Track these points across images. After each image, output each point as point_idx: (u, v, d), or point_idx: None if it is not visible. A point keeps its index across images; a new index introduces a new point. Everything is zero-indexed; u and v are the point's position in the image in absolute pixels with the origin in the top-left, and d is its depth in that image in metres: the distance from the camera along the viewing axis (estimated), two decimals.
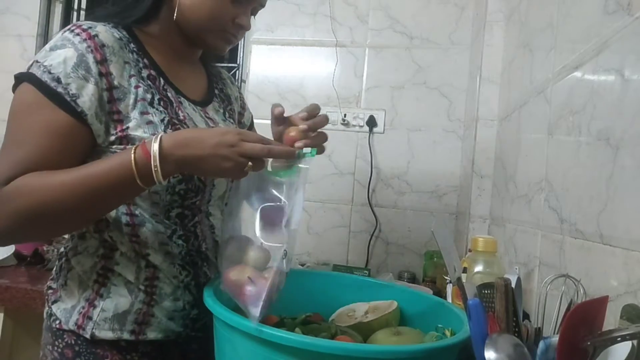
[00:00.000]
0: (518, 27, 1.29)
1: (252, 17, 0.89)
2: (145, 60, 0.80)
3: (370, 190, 1.78)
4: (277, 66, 1.89)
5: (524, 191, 1.07)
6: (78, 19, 2.11)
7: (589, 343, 0.49)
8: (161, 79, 0.81)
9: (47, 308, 0.82)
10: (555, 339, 0.53)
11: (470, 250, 1.06)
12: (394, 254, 1.77)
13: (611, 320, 0.57)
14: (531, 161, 1.05)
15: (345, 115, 1.81)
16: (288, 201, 0.71)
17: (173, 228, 0.80)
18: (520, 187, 1.11)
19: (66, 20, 2.11)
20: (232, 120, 0.96)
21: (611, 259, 0.63)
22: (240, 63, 1.92)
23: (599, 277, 0.67)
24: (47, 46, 0.73)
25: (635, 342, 0.49)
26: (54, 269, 0.84)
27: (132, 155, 0.66)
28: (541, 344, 0.56)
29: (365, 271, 1.60)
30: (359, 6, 1.84)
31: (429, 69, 1.78)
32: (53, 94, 0.69)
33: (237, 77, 1.94)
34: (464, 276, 0.94)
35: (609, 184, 0.65)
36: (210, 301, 0.71)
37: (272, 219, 0.72)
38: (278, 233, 0.71)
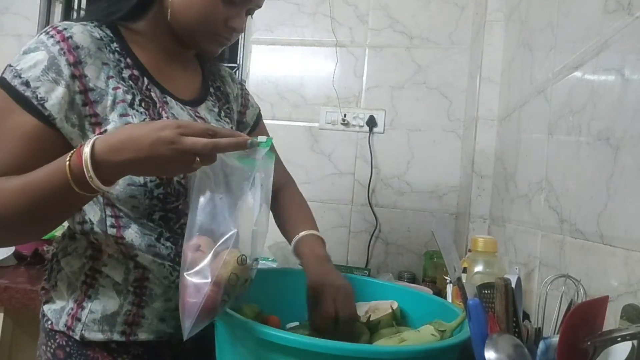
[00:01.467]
0: (518, 27, 1.29)
1: (250, 17, 0.88)
2: (128, 60, 0.78)
3: (370, 190, 1.78)
4: (277, 66, 1.89)
5: (524, 191, 1.07)
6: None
7: (589, 343, 0.49)
8: (145, 79, 0.79)
9: (41, 309, 0.82)
10: (556, 339, 0.53)
11: (470, 250, 1.06)
12: (393, 254, 1.77)
13: (611, 320, 0.57)
14: (531, 161, 1.05)
15: (345, 115, 1.81)
16: (242, 195, 0.64)
17: (159, 230, 0.78)
18: (520, 187, 1.11)
19: (66, 20, 2.11)
20: (227, 120, 0.94)
21: (611, 259, 0.63)
22: (240, 63, 1.92)
23: (599, 277, 0.67)
24: (22, 49, 0.71)
25: (635, 342, 0.49)
26: (47, 270, 0.84)
27: (67, 162, 0.62)
28: (541, 344, 0.56)
29: (365, 271, 1.60)
30: (358, 6, 1.84)
31: (429, 69, 1.78)
32: (21, 98, 0.68)
33: (237, 77, 1.94)
34: (464, 276, 0.94)
35: (609, 184, 0.65)
36: None
37: (222, 214, 0.64)
38: (225, 231, 0.62)
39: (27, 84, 0.68)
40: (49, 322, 0.79)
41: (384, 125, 1.80)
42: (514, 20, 1.35)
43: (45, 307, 0.80)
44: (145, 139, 0.60)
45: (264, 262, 1.65)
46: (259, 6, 0.85)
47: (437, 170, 1.76)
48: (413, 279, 1.62)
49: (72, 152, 0.63)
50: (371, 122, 1.79)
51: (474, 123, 1.49)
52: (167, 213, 0.78)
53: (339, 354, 0.59)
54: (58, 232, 1.80)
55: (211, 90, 0.94)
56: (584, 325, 0.51)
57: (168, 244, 0.79)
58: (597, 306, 0.53)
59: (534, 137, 1.05)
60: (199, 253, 0.62)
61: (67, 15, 2.11)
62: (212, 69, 0.98)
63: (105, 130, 0.72)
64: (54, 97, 0.69)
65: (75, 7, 2.11)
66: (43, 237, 1.64)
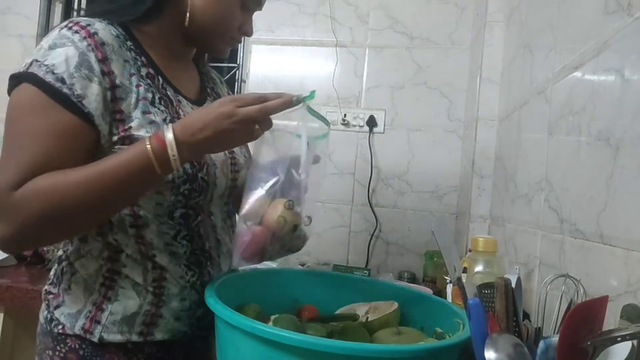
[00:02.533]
0: (518, 27, 1.29)
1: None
2: (143, 59, 0.78)
3: (370, 190, 1.78)
4: (277, 66, 1.89)
5: (524, 191, 1.07)
6: None
7: (589, 343, 0.49)
8: (159, 78, 0.80)
9: (46, 313, 0.80)
10: (555, 338, 0.53)
11: (470, 250, 1.06)
12: (394, 254, 1.78)
13: (611, 320, 0.57)
14: (531, 161, 1.05)
15: (345, 115, 1.81)
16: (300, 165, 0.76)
17: (177, 228, 0.80)
18: (520, 187, 1.11)
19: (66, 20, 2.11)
20: None
21: (611, 259, 0.63)
22: (240, 63, 1.92)
23: (599, 277, 0.67)
24: (45, 44, 0.70)
25: (635, 342, 0.49)
26: (53, 273, 0.83)
27: (149, 147, 0.66)
28: (541, 344, 0.57)
29: (365, 271, 1.60)
30: (359, 6, 1.84)
31: (429, 69, 1.78)
32: (58, 95, 0.67)
33: (237, 77, 1.94)
34: (464, 276, 0.94)
35: (609, 184, 0.65)
36: (211, 300, 0.71)
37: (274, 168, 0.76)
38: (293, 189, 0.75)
39: (62, 80, 0.67)
40: (60, 327, 0.77)
41: (384, 125, 1.80)
42: (514, 20, 1.35)
43: (57, 312, 0.78)
44: (209, 118, 0.67)
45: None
46: (261, 9, 0.89)
47: (437, 170, 1.76)
48: (413, 279, 1.62)
49: (147, 138, 0.67)
50: (371, 122, 1.79)
51: (474, 123, 1.49)
52: (188, 210, 0.80)
53: (339, 353, 0.59)
54: None
55: (208, 90, 0.96)
56: (584, 325, 0.51)
57: (184, 242, 0.80)
58: (597, 306, 0.53)
59: (534, 137, 1.05)
60: (254, 201, 0.73)
61: (67, 15, 2.12)
62: (204, 70, 0.99)
63: (130, 128, 0.72)
64: (90, 94, 0.69)
65: (75, 7, 2.11)
66: None
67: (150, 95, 0.76)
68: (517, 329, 0.61)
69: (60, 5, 2.10)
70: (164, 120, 0.76)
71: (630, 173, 0.60)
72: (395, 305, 0.87)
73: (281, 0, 1.87)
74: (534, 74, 1.09)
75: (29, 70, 0.68)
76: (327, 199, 1.82)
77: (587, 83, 0.76)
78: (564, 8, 0.92)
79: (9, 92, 0.71)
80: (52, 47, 0.69)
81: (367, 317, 0.85)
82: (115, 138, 0.72)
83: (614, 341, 0.47)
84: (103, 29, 0.73)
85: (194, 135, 0.67)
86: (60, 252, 0.83)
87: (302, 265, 1.69)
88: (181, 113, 0.80)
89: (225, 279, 0.85)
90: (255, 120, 0.68)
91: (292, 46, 1.89)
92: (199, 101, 0.89)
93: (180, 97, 0.83)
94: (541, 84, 1.02)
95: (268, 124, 0.71)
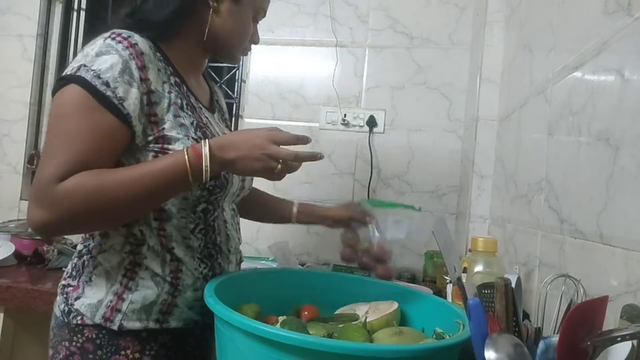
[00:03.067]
0: (518, 27, 1.29)
1: None
2: (170, 68, 0.85)
3: (370, 190, 1.78)
4: (277, 66, 1.89)
5: (524, 191, 1.07)
6: (78, 19, 2.11)
7: (589, 343, 0.49)
8: (184, 86, 0.88)
9: (63, 306, 0.84)
10: (555, 338, 0.53)
11: (470, 250, 1.06)
12: (394, 254, 1.77)
13: (611, 320, 0.57)
14: (531, 161, 1.06)
15: (345, 115, 1.81)
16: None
17: (196, 222, 0.86)
18: (520, 187, 1.11)
19: (66, 20, 2.11)
20: (227, 130, 1.04)
21: (611, 259, 0.63)
22: (240, 63, 1.91)
23: (599, 277, 0.67)
24: (91, 51, 0.76)
25: (635, 342, 0.49)
26: (71, 267, 0.87)
27: (186, 157, 0.74)
28: (541, 344, 0.57)
29: (365, 271, 1.60)
30: (359, 6, 1.84)
31: (429, 69, 1.78)
32: (103, 98, 0.74)
33: (237, 77, 1.94)
34: (464, 276, 0.95)
35: (609, 184, 0.65)
36: (211, 300, 0.71)
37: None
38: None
39: (107, 84, 0.74)
40: (79, 318, 0.81)
41: (384, 125, 1.80)
42: (514, 20, 1.35)
43: (77, 303, 0.82)
44: (244, 144, 0.75)
45: (263, 262, 1.65)
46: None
47: (437, 170, 1.76)
48: (413, 279, 1.62)
49: (185, 149, 0.75)
50: (371, 122, 1.79)
51: (474, 123, 1.49)
52: (208, 205, 0.87)
53: (339, 353, 0.59)
54: None
55: (214, 102, 1.04)
56: (584, 325, 0.51)
57: (200, 235, 0.87)
58: (597, 306, 0.53)
59: (534, 137, 1.05)
60: None
61: (67, 15, 2.11)
62: (211, 84, 1.07)
63: (163, 129, 0.80)
64: (130, 98, 0.76)
65: (75, 7, 2.11)
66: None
67: (179, 101, 0.84)
68: (517, 329, 0.61)
69: (60, 5, 2.10)
70: (191, 123, 0.83)
71: (630, 173, 0.60)
72: (395, 305, 0.87)
73: (281, 0, 1.87)
74: (534, 74, 1.09)
75: (77, 74, 0.74)
76: (327, 199, 1.82)
77: (587, 83, 0.77)
78: (564, 8, 0.92)
79: (55, 92, 0.77)
80: (98, 54, 0.76)
81: (367, 317, 0.85)
82: (150, 138, 0.79)
83: (614, 341, 0.47)
84: (141, 41, 0.80)
85: (226, 152, 0.75)
86: (80, 247, 0.87)
87: (302, 265, 1.69)
88: (203, 118, 0.88)
89: (225, 278, 0.85)
90: (279, 159, 0.76)
91: (292, 46, 1.89)
92: (211, 109, 0.97)
93: (200, 105, 0.91)
94: (541, 84, 1.02)
95: (291, 168, 0.78)
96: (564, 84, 0.87)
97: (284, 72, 1.89)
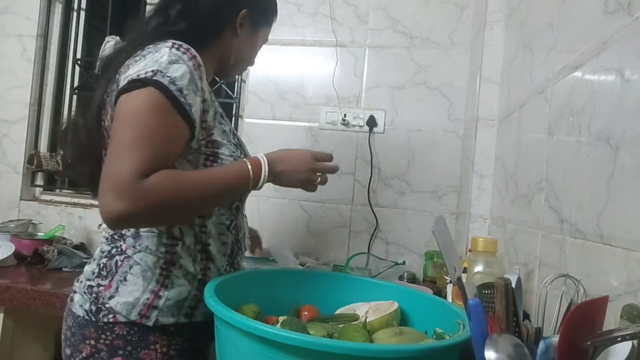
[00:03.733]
0: (518, 27, 1.29)
1: None
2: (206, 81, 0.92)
3: (370, 190, 1.78)
4: (277, 66, 1.89)
5: (524, 191, 1.07)
6: (78, 19, 2.11)
7: (589, 343, 0.49)
8: (214, 97, 0.95)
9: (88, 305, 0.86)
10: (556, 339, 0.53)
11: (470, 250, 1.06)
12: (394, 254, 1.77)
13: (611, 320, 0.57)
14: (531, 161, 1.05)
15: (345, 115, 1.81)
16: None
17: (231, 219, 0.95)
18: (520, 187, 1.11)
19: (66, 20, 2.11)
20: None
21: (611, 259, 0.63)
22: None
23: (599, 277, 0.67)
24: (161, 58, 0.81)
25: (635, 342, 0.49)
26: (98, 267, 0.89)
27: (249, 167, 0.85)
28: (541, 344, 0.57)
29: (365, 271, 1.60)
30: (359, 6, 1.84)
31: (429, 69, 1.78)
32: (178, 103, 0.79)
33: (237, 77, 1.94)
34: (464, 276, 0.94)
35: (609, 184, 0.65)
36: (211, 301, 0.71)
37: None
38: None
39: (180, 90, 0.80)
40: (110, 316, 0.85)
41: (384, 125, 1.80)
42: (514, 20, 1.35)
43: (112, 302, 0.85)
44: (293, 160, 0.91)
45: (264, 262, 1.65)
46: None
47: (437, 170, 1.76)
48: (413, 279, 1.62)
49: (247, 159, 0.87)
50: (371, 122, 1.79)
51: (474, 123, 1.49)
52: (239, 203, 0.98)
53: (339, 353, 0.59)
54: (58, 231, 1.80)
55: None
56: (584, 325, 0.51)
57: (233, 231, 0.96)
58: (597, 306, 0.53)
59: (534, 137, 1.05)
60: None
61: (67, 15, 2.11)
62: None
63: (212, 134, 0.88)
64: (195, 105, 0.82)
65: (75, 7, 2.11)
66: (44, 237, 1.64)
67: (219, 110, 0.93)
68: (517, 329, 0.61)
69: (60, 5, 2.10)
70: (230, 130, 0.94)
71: (630, 173, 0.60)
72: (395, 305, 0.87)
73: (281, 0, 1.87)
74: (534, 74, 1.09)
75: (155, 78, 0.78)
76: (327, 199, 1.82)
77: (587, 83, 0.76)
78: (564, 8, 0.92)
79: (128, 90, 0.79)
80: (170, 62, 0.81)
81: (367, 317, 0.85)
82: (202, 142, 0.87)
83: (614, 341, 0.47)
84: (197, 54, 0.85)
85: (278, 165, 0.89)
86: (106, 248, 0.90)
87: (302, 265, 1.69)
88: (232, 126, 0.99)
89: (225, 278, 0.85)
90: (318, 172, 0.93)
91: (292, 46, 1.89)
92: None
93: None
94: (541, 84, 1.02)
95: (326, 180, 0.95)
96: (564, 83, 0.87)
97: (284, 72, 1.89)
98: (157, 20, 0.93)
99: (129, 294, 0.85)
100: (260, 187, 0.87)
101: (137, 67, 0.80)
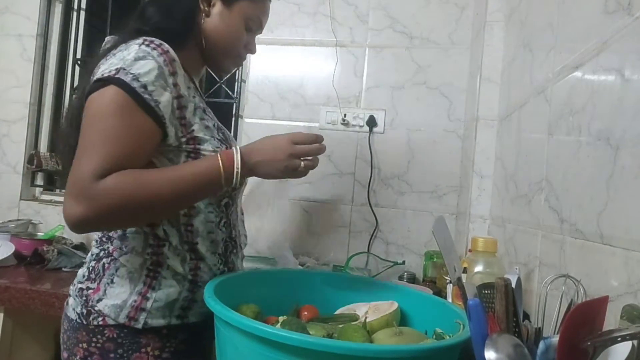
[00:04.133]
0: (518, 27, 1.29)
1: None
2: (187, 75, 0.89)
3: (370, 190, 1.78)
4: (277, 66, 1.89)
5: (524, 191, 1.07)
6: (78, 19, 2.11)
7: (589, 343, 0.49)
8: (199, 92, 0.94)
9: (80, 308, 0.85)
10: (556, 339, 0.53)
11: (470, 250, 1.06)
12: (394, 254, 1.77)
13: (611, 320, 0.57)
14: (531, 161, 1.05)
15: (345, 115, 1.81)
16: None
17: (221, 216, 0.91)
18: (520, 187, 1.11)
19: (66, 20, 2.11)
20: None
21: (611, 259, 0.63)
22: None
23: (599, 277, 0.67)
24: (128, 55, 0.79)
25: (635, 342, 0.49)
26: (88, 270, 0.88)
27: (220, 161, 0.80)
28: (541, 344, 0.56)
29: (365, 271, 1.60)
30: (359, 6, 1.84)
31: (429, 69, 1.78)
32: (141, 99, 0.77)
33: (237, 77, 1.94)
34: (464, 276, 0.94)
35: (609, 184, 0.65)
36: (211, 301, 0.71)
37: None
38: None
39: (145, 87, 0.78)
40: (100, 319, 0.83)
41: (384, 125, 1.80)
42: (514, 20, 1.35)
43: (100, 305, 0.84)
44: (268, 147, 0.84)
45: (263, 262, 1.65)
46: (261, 32, 1.05)
47: (437, 170, 1.76)
48: (413, 279, 1.62)
49: (218, 154, 0.81)
50: (371, 122, 1.79)
51: (474, 123, 1.49)
52: (230, 199, 0.93)
53: (339, 353, 0.59)
54: (58, 232, 1.80)
55: None
56: (584, 325, 0.51)
57: (224, 229, 0.92)
58: (597, 306, 0.53)
59: (534, 137, 1.05)
60: None
61: (67, 15, 2.11)
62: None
63: (193, 131, 0.85)
64: (164, 101, 0.79)
65: (75, 7, 2.11)
66: (44, 237, 1.64)
67: (202, 105, 0.90)
68: (517, 330, 0.61)
69: (60, 5, 2.10)
70: (214, 125, 0.90)
71: (630, 173, 0.60)
72: (395, 305, 0.87)
73: (281, 0, 1.87)
74: (534, 74, 1.09)
75: (117, 76, 0.77)
76: (327, 199, 1.82)
77: (587, 83, 0.76)
78: (564, 8, 0.92)
79: (91, 92, 0.78)
80: (136, 59, 0.79)
81: (367, 317, 0.85)
82: (182, 139, 0.84)
83: (614, 341, 0.47)
84: (170, 48, 0.83)
85: (253, 158, 0.83)
86: (96, 250, 0.90)
87: (302, 265, 1.69)
88: (217, 122, 0.94)
89: (224, 278, 0.85)
90: (300, 157, 0.84)
91: (292, 46, 1.88)
92: None
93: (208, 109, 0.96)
94: (541, 84, 1.01)
95: (314, 164, 0.86)
96: (564, 83, 0.87)
97: (284, 72, 1.89)
98: (135, 21, 0.92)
99: (116, 296, 0.84)
100: (238, 184, 0.82)
101: (104, 67, 0.79)
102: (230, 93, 1.96)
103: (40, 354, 1.45)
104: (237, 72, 1.92)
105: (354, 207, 1.81)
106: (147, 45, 0.80)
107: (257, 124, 1.87)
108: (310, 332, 0.76)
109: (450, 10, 1.78)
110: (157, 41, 0.82)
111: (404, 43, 1.81)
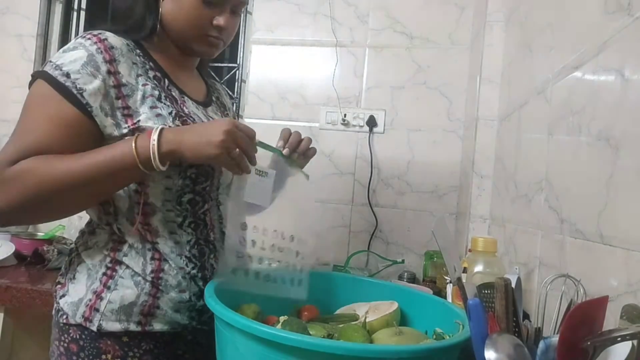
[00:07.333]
0: (518, 27, 1.29)
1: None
2: (151, 63, 0.86)
3: (370, 190, 1.78)
4: (277, 66, 1.89)
5: (524, 191, 1.07)
6: (78, 19, 2.11)
7: (589, 343, 0.49)
8: (165, 80, 0.87)
9: (55, 304, 0.85)
10: (555, 339, 0.53)
11: (470, 250, 1.06)
12: (393, 254, 1.77)
13: (611, 320, 0.57)
14: (531, 161, 1.05)
15: (345, 115, 1.81)
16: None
17: (184, 215, 0.84)
18: (520, 187, 1.11)
19: (66, 20, 2.11)
20: None
21: (611, 259, 0.63)
22: (240, 63, 1.91)
23: (599, 277, 0.67)
24: (62, 49, 0.80)
25: (635, 342, 0.49)
26: (63, 266, 0.87)
27: (133, 143, 0.73)
28: (541, 344, 0.57)
29: (365, 271, 1.60)
30: (359, 6, 1.84)
31: (429, 69, 1.78)
32: (62, 88, 0.75)
33: (237, 77, 1.94)
34: (464, 276, 0.94)
35: (609, 184, 0.65)
36: (211, 301, 0.71)
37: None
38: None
39: (67, 75, 0.76)
40: (64, 316, 0.81)
41: (384, 125, 1.80)
42: (513, 20, 1.35)
43: (62, 301, 0.82)
44: (204, 127, 0.76)
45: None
46: (244, 3, 0.92)
47: (437, 170, 1.76)
48: (413, 279, 1.62)
49: (135, 135, 0.75)
50: (371, 122, 1.79)
51: (474, 123, 1.49)
52: (195, 196, 0.85)
53: (339, 353, 0.59)
54: (58, 231, 1.80)
55: (213, 98, 1.03)
56: (584, 325, 0.51)
57: (189, 230, 0.85)
58: (597, 306, 0.53)
59: (534, 137, 1.05)
60: None
61: (67, 15, 2.11)
62: (209, 82, 1.07)
63: (139, 120, 0.79)
64: (91, 88, 0.76)
65: (75, 7, 2.11)
66: (44, 237, 1.64)
67: (157, 93, 0.83)
68: (517, 329, 0.61)
69: (60, 5, 2.10)
70: (169, 113, 0.82)
71: (630, 173, 0.60)
72: (395, 305, 0.87)
73: (281, 0, 1.87)
74: (534, 74, 1.09)
75: (43, 69, 0.78)
76: (327, 199, 1.82)
77: (587, 83, 0.76)
78: (564, 8, 0.92)
79: (29, 88, 0.80)
80: (65, 51, 0.79)
81: (367, 317, 0.85)
82: (125, 130, 0.79)
83: (614, 341, 0.47)
84: (113, 36, 0.81)
85: (179, 135, 0.75)
86: (72, 246, 0.88)
87: None
88: (185, 109, 0.86)
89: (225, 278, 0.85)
90: (239, 140, 0.75)
91: (292, 46, 1.88)
92: (204, 103, 0.96)
93: (185, 97, 0.90)
94: (541, 84, 1.01)
95: (252, 149, 0.79)
96: (564, 84, 0.87)
97: (284, 72, 1.89)
98: (105, 24, 0.90)
99: (75, 293, 0.81)
100: (159, 164, 0.73)
101: None
102: (231, 93, 1.96)
103: (40, 354, 1.45)
104: (237, 72, 1.93)
105: (354, 207, 1.81)
106: (83, 37, 0.80)
107: (257, 124, 1.86)
108: (311, 332, 0.76)
109: (450, 10, 1.78)
110: (96, 32, 0.80)
111: (404, 43, 1.81)
